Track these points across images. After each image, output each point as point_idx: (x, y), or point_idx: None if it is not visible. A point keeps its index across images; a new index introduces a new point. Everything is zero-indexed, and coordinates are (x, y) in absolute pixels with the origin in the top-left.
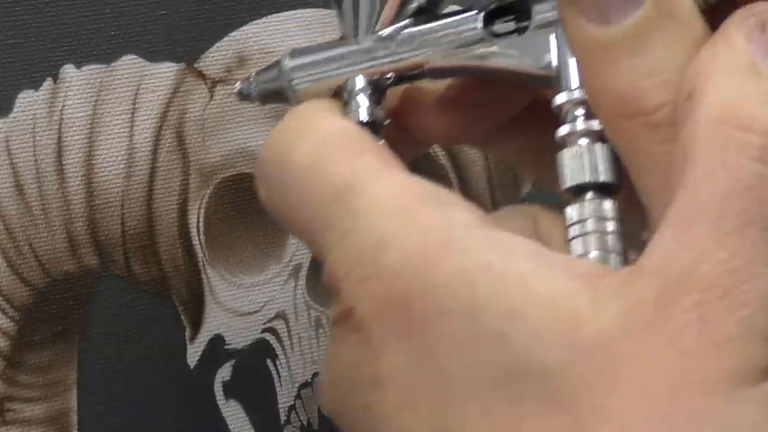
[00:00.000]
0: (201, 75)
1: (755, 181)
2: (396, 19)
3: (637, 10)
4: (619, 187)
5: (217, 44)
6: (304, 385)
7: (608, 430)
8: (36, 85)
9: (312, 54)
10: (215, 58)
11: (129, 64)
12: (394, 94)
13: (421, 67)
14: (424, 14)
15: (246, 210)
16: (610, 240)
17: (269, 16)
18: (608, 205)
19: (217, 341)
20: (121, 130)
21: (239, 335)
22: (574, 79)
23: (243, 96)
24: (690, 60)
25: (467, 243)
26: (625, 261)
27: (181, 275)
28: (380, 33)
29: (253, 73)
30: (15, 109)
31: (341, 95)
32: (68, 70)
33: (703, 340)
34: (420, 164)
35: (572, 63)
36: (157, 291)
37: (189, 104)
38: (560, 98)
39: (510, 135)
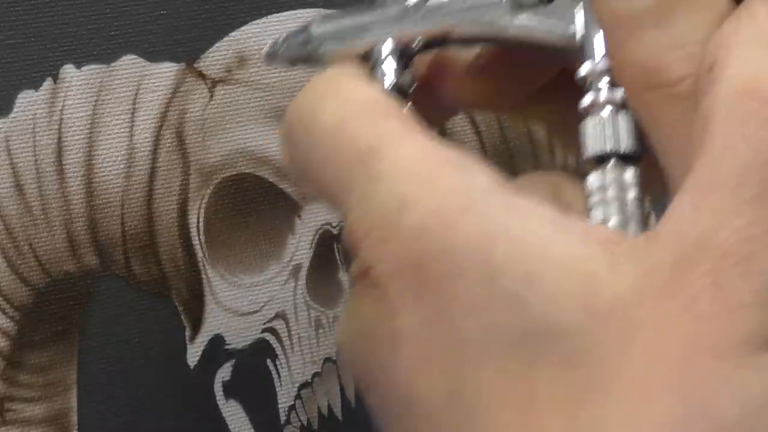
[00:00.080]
0: (201, 75)
1: None
2: None
3: None
4: (640, 156)
5: (217, 44)
6: (304, 385)
7: (622, 391)
8: (36, 85)
9: (340, 19)
10: (215, 58)
11: (129, 64)
12: (422, 62)
13: (447, 34)
14: None
15: (246, 210)
16: (630, 208)
17: (269, 16)
18: (629, 174)
19: (217, 341)
20: (121, 130)
21: (239, 335)
22: (598, 50)
23: (270, 59)
24: (713, 33)
25: (486, 207)
26: (647, 229)
27: (181, 275)
28: (408, 0)
29: (281, 36)
30: (15, 109)
31: (368, 61)
32: (68, 70)
33: (718, 306)
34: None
35: (597, 34)
36: (157, 291)
37: (189, 104)
38: (584, 68)
39: (538, 103)
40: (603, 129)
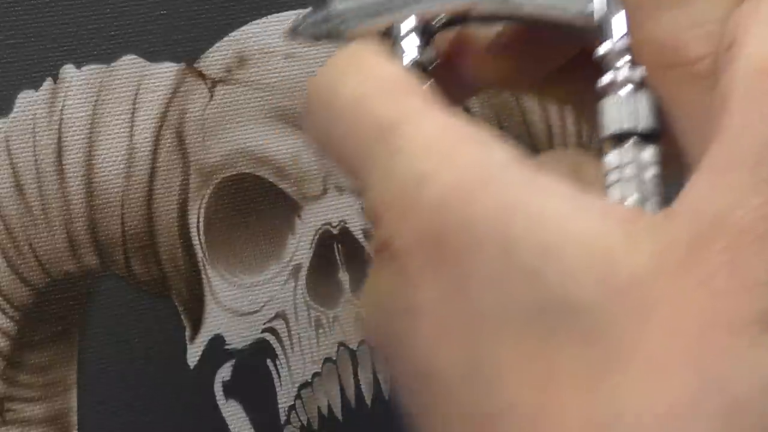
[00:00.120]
0: (201, 75)
1: None
2: None
3: None
4: (659, 135)
5: (217, 44)
6: (304, 385)
7: (639, 366)
8: (36, 85)
9: None
10: (215, 58)
11: (129, 64)
12: (443, 39)
13: (468, 12)
14: None
15: (246, 210)
16: (649, 185)
17: (269, 16)
18: (648, 152)
19: (217, 341)
20: (121, 130)
21: (239, 335)
22: (617, 29)
23: (293, 34)
24: (732, 12)
25: (505, 182)
26: (665, 207)
27: (181, 275)
28: None
29: (303, 13)
30: (15, 109)
31: (390, 38)
32: (68, 70)
33: (733, 283)
34: None
35: (616, 13)
36: (157, 291)
37: (189, 104)
38: (604, 47)
39: (556, 83)
40: (622, 107)
